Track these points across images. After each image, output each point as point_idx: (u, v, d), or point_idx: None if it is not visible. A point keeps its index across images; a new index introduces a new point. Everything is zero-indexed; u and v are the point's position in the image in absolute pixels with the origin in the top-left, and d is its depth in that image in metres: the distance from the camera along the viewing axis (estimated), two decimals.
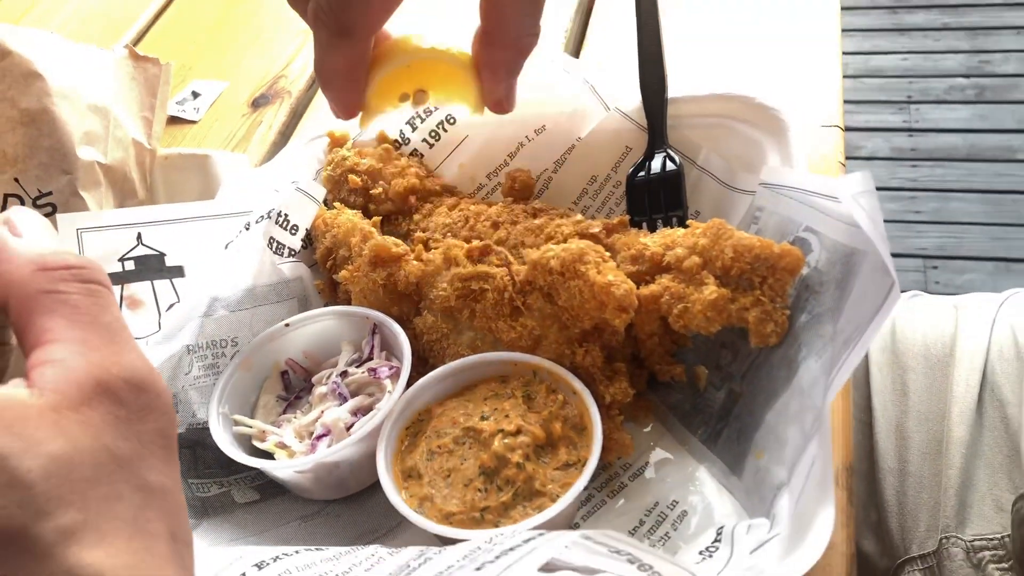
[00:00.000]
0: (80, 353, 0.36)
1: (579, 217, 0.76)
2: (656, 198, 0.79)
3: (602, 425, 0.62)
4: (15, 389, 0.34)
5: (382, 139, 0.89)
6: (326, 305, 0.79)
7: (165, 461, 0.36)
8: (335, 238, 0.79)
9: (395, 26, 0.62)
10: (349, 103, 0.62)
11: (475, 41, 0.61)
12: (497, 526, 0.58)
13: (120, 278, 0.77)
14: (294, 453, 0.67)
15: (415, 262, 0.73)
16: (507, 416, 0.63)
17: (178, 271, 0.79)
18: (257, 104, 1.16)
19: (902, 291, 1.10)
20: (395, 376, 0.69)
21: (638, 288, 0.65)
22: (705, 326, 0.63)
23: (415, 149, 0.89)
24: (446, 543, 0.53)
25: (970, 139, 2.92)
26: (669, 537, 0.63)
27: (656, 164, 0.80)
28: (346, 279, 0.75)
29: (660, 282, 0.66)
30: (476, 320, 0.69)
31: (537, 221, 0.77)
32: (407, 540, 0.65)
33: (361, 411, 0.69)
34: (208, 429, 0.68)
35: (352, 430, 0.66)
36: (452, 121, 0.87)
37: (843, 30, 1.13)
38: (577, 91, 0.83)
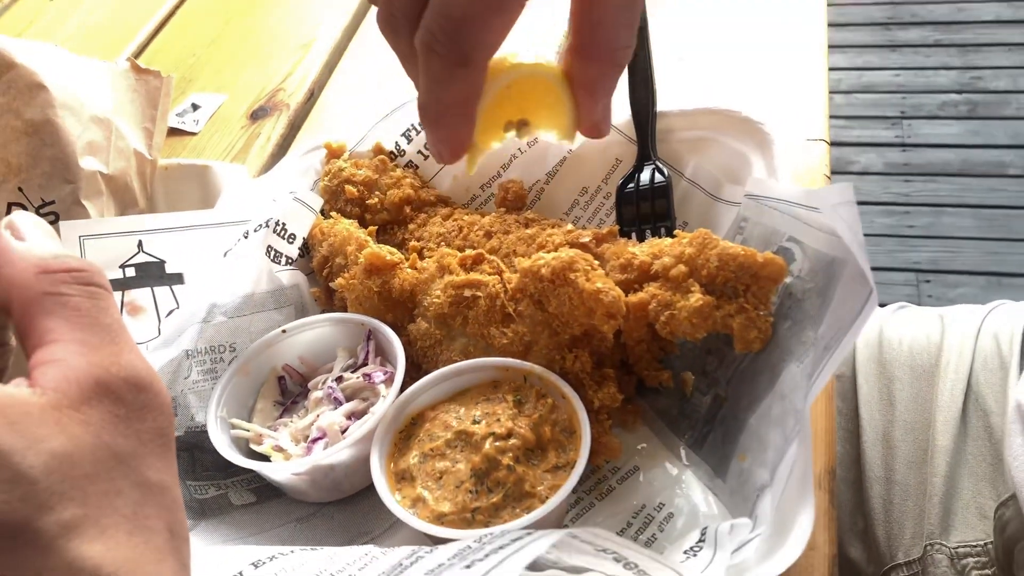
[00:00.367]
0: (81, 353, 0.36)
1: (570, 227, 0.77)
2: (645, 209, 0.80)
3: (591, 429, 0.63)
4: (17, 388, 0.34)
5: (378, 151, 0.91)
6: (322, 312, 0.81)
7: (163, 459, 0.37)
8: (331, 247, 0.80)
9: None
10: (461, 141, 0.55)
11: (565, 59, 0.56)
12: (488, 526, 0.59)
13: (121, 284, 0.78)
14: (290, 456, 0.68)
15: (409, 270, 0.74)
16: (498, 420, 0.64)
17: (178, 278, 0.80)
18: (256, 116, 1.18)
19: (893, 304, 1.12)
20: (389, 381, 0.70)
21: (626, 296, 0.67)
22: (691, 332, 0.64)
23: (410, 161, 0.91)
24: (438, 543, 0.54)
25: (962, 154, 2.94)
26: (656, 539, 0.64)
27: (645, 176, 0.81)
28: (342, 287, 0.76)
29: (648, 290, 0.67)
30: (469, 326, 0.70)
31: (529, 231, 0.78)
32: (401, 541, 0.66)
33: (356, 415, 0.70)
34: (206, 432, 0.69)
35: (347, 434, 0.68)
36: None
37: (836, 46, 1.15)
38: None
